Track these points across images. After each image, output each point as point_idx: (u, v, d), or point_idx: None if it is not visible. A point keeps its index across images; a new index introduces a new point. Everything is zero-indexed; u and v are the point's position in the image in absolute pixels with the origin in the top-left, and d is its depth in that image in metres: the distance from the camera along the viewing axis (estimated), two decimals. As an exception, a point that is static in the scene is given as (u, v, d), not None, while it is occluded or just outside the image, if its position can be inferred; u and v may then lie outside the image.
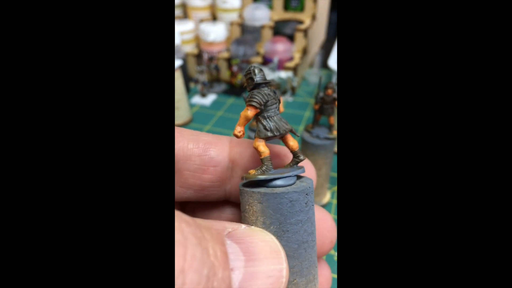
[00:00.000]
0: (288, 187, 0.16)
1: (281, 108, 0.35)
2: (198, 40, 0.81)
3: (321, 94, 0.40)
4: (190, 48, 0.80)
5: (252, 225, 0.16)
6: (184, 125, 0.66)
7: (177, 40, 0.70)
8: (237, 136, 0.16)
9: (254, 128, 0.45)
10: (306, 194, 0.16)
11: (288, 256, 0.15)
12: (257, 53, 0.75)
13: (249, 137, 0.45)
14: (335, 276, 0.38)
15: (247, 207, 0.16)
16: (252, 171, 0.16)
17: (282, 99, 0.35)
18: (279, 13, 0.81)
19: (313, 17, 0.77)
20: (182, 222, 0.12)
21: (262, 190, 0.15)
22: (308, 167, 0.18)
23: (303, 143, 0.43)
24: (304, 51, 0.73)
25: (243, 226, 0.15)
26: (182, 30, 0.77)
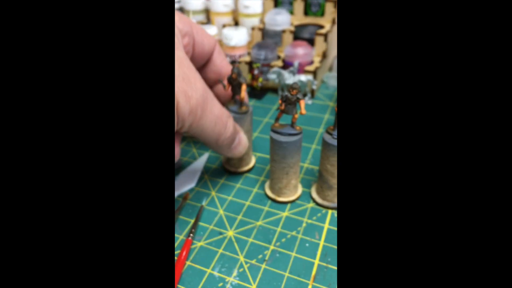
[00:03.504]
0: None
1: (303, 110, 0.37)
2: (220, 44, 0.84)
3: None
4: (212, 52, 0.83)
5: None
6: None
7: (201, 45, 0.72)
8: None
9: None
10: None
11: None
12: (278, 57, 0.77)
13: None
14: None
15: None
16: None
17: (303, 101, 0.37)
18: (300, 18, 0.82)
19: (333, 22, 0.79)
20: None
21: None
22: None
23: (324, 144, 0.44)
24: (324, 55, 0.74)
25: None
26: (206, 35, 0.79)
